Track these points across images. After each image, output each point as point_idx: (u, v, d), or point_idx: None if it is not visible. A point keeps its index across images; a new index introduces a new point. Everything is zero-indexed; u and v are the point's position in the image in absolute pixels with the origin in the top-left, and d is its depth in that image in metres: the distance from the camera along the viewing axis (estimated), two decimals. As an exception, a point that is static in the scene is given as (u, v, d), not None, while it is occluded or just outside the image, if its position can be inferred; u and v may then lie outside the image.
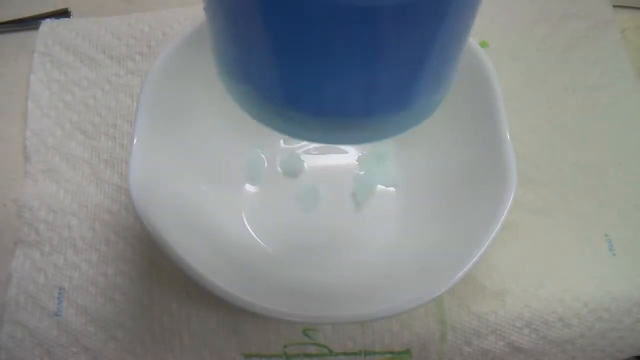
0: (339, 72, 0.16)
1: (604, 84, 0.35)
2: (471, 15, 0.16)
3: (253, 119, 0.19)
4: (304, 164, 0.32)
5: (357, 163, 0.32)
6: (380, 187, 0.32)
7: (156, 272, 0.29)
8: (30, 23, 0.36)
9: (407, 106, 0.18)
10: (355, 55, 0.15)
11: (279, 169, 0.32)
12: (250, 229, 0.30)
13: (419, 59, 0.16)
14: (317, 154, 0.33)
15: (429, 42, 0.15)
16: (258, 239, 0.30)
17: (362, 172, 0.32)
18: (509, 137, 0.25)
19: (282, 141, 0.33)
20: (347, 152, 0.33)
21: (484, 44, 0.36)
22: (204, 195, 0.29)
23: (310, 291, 0.26)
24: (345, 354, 0.28)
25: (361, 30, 0.14)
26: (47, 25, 0.36)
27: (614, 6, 0.38)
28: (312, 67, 0.16)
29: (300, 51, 0.15)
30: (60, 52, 0.35)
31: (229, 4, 0.16)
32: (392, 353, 0.28)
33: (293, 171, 0.32)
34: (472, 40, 0.27)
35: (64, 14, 0.37)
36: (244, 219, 0.30)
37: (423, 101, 0.18)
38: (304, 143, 0.33)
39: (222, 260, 0.26)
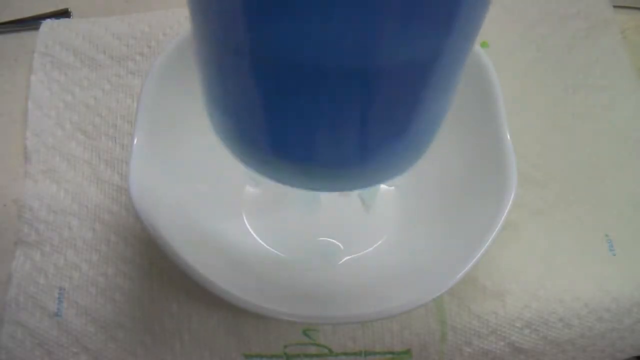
0: (328, 131, 0.16)
1: (604, 84, 0.35)
2: (461, 59, 0.16)
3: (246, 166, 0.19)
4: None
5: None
6: (381, 186, 0.32)
7: (156, 272, 0.29)
8: (30, 23, 0.36)
9: (396, 154, 0.18)
10: (346, 113, 0.15)
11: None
12: (250, 229, 0.30)
13: (408, 112, 0.16)
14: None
15: (418, 96, 0.15)
16: (258, 239, 0.30)
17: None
18: (509, 137, 0.25)
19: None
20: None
21: (484, 44, 0.36)
22: (204, 195, 0.29)
23: (310, 291, 0.26)
24: (345, 354, 0.28)
25: (347, 89, 0.14)
26: (47, 25, 0.36)
27: (614, 6, 0.38)
28: (302, 123, 0.16)
29: (287, 106, 0.15)
30: (60, 52, 0.35)
31: (218, 56, 0.15)
32: (392, 353, 0.28)
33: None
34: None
35: (64, 14, 0.37)
36: (245, 219, 0.30)
37: (414, 145, 0.18)
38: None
39: (222, 260, 0.26)
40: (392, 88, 0.14)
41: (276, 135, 0.17)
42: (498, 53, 0.36)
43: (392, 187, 0.32)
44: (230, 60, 0.15)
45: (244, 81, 0.15)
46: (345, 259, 0.29)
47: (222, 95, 0.17)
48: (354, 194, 0.32)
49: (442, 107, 0.17)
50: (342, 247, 0.30)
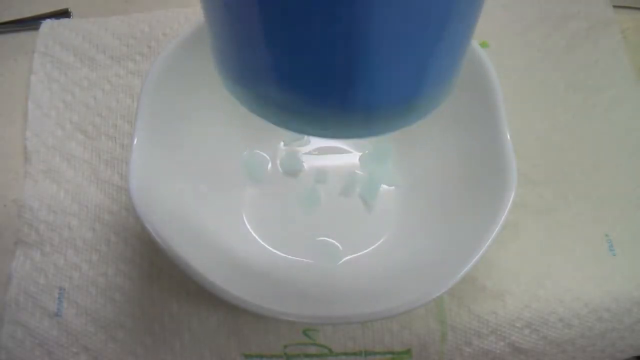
0: (342, 61, 0.15)
1: (604, 84, 0.35)
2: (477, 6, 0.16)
3: (254, 115, 0.19)
4: (304, 163, 0.32)
5: (357, 162, 0.32)
6: (382, 186, 0.32)
7: (156, 272, 0.29)
8: (30, 23, 0.37)
9: (412, 98, 0.17)
10: (358, 42, 0.15)
11: (280, 169, 0.32)
12: (250, 229, 0.30)
13: (424, 48, 0.16)
14: (317, 154, 0.33)
15: (434, 30, 0.15)
16: (258, 239, 0.30)
17: (363, 172, 0.32)
18: (509, 137, 0.25)
19: (281, 142, 0.33)
20: (348, 152, 0.33)
21: (484, 44, 0.36)
22: (204, 195, 0.29)
23: (311, 291, 0.26)
24: (345, 354, 0.28)
25: (361, 16, 0.14)
26: (47, 25, 0.36)
27: (614, 6, 0.38)
28: (314, 54, 0.15)
29: (300, 40, 0.15)
30: (60, 52, 0.35)
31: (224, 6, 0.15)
32: (392, 353, 0.28)
33: (293, 171, 0.32)
34: (472, 40, 0.27)
35: (64, 14, 0.37)
36: (245, 219, 0.30)
37: (428, 94, 0.18)
38: (305, 142, 0.33)
39: (222, 260, 0.26)
40: (409, 14, 0.14)
41: (291, 70, 0.16)
42: (498, 53, 0.36)
43: (392, 187, 0.32)
44: None
45: (256, 19, 0.15)
46: (345, 258, 0.29)
47: (235, 38, 0.17)
48: (355, 194, 0.32)
49: (453, 54, 0.17)
50: (341, 247, 0.30)
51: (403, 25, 0.15)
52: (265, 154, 0.32)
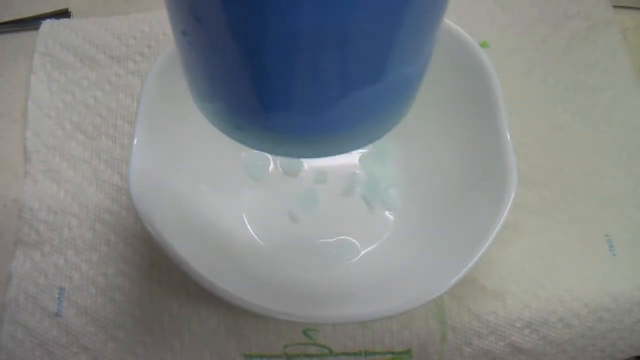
0: (301, 95, 0.16)
1: (604, 84, 0.35)
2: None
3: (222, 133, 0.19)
4: (304, 163, 0.32)
5: (357, 162, 0.32)
6: (382, 186, 0.32)
7: (156, 272, 0.29)
8: (30, 23, 0.36)
9: (368, 121, 0.17)
10: (320, 68, 0.15)
11: (280, 169, 0.32)
12: (250, 229, 0.30)
13: (381, 71, 0.16)
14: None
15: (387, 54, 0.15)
16: (258, 239, 0.30)
17: (363, 172, 0.32)
18: (509, 137, 0.25)
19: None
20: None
21: (484, 44, 0.36)
22: (204, 195, 0.29)
23: (310, 291, 0.26)
24: (345, 354, 0.28)
25: (319, 49, 0.14)
26: (47, 25, 0.36)
27: (614, 6, 0.38)
28: (284, 83, 0.15)
29: (266, 66, 0.15)
30: (60, 52, 0.35)
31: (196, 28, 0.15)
32: (392, 353, 0.28)
33: (293, 171, 0.32)
34: (472, 40, 0.27)
35: (64, 14, 0.37)
36: (245, 219, 0.30)
37: (384, 116, 0.18)
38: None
39: (223, 260, 0.26)
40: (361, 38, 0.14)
41: (259, 95, 0.16)
42: (498, 53, 0.36)
43: (392, 187, 0.32)
44: (204, 26, 0.14)
45: (229, 45, 0.15)
46: (345, 259, 0.29)
47: (206, 63, 0.17)
48: (355, 194, 0.32)
49: (417, 62, 0.17)
50: (341, 247, 0.30)
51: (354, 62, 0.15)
52: (265, 154, 0.32)
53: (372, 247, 0.30)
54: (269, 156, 0.32)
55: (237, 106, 0.17)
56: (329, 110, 0.16)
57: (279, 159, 0.32)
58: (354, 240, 0.30)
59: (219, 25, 0.14)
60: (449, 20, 0.26)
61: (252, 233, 0.30)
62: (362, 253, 0.30)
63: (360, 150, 0.33)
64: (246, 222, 0.30)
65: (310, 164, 0.32)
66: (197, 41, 0.15)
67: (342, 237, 0.30)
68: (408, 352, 0.28)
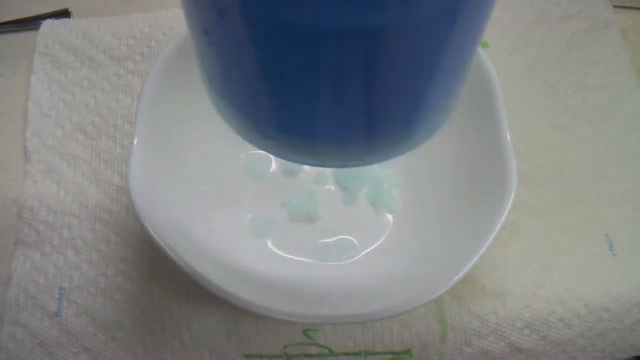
0: (333, 98, 0.15)
1: (604, 84, 0.35)
2: (476, 33, 0.15)
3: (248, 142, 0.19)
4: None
5: (357, 163, 0.32)
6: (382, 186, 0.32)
7: (156, 272, 0.29)
8: (30, 23, 0.36)
9: (409, 128, 0.17)
10: (351, 79, 0.14)
11: (280, 169, 0.32)
12: (250, 229, 0.30)
13: (419, 80, 0.15)
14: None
15: (429, 63, 0.15)
16: (258, 239, 0.30)
17: (363, 172, 0.32)
18: (509, 137, 0.25)
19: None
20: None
21: (484, 44, 0.36)
22: (204, 194, 0.29)
23: (310, 291, 0.26)
24: (345, 354, 0.28)
25: (351, 53, 0.13)
26: (47, 25, 0.36)
27: (614, 6, 0.38)
28: (308, 93, 0.15)
29: (292, 77, 0.14)
30: (60, 52, 0.35)
31: (218, 33, 0.15)
32: (392, 353, 0.28)
33: (293, 171, 0.32)
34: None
35: (64, 14, 0.37)
36: (245, 219, 0.30)
37: (425, 124, 0.18)
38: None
39: (222, 259, 0.26)
40: (398, 53, 0.14)
41: (283, 107, 0.16)
42: (498, 53, 0.36)
43: (392, 188, 0.32)
44: (228, 26, 0.14)
45: (240, 48, 0.14)
46: (345, 258, 0.29)
47: (228, 72, 0.16)
48: (354, 194, 0.32)
49: (455, 78, 0.17)
50: (341, 247, 0.30)
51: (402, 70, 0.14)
52: (265, 154, 0.32)
53: (372, 247, 0.30)
54: (270, 156, 0.32)
55: (269, 116, 0.17)
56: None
57: (279, 159, 0.32)
58: (354, 240, 0.30)
59: (244, 18, 0.13)
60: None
61: (252, 233, 0.30)
62: (362, 253, 0.30)
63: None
64: (246, 222, 0.30)
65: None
66: (222, 37, 0.15)
67: (342, 236, 0.30)
68: (408, 352, 0.28)
